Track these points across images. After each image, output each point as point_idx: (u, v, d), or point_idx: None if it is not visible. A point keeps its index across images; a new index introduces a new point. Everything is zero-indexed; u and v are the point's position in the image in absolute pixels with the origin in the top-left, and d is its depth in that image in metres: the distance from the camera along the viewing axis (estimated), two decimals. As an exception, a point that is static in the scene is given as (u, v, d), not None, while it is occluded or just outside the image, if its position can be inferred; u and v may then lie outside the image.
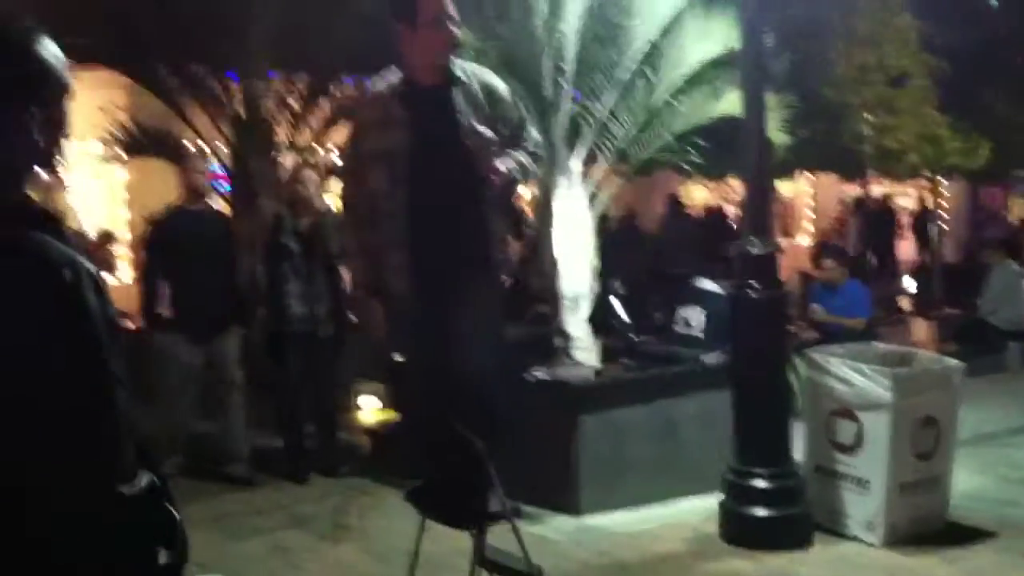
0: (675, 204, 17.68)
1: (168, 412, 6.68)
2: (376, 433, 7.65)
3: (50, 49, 1.74)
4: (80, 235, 13.28)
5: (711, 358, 6.64)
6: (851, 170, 15.08)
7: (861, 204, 19.23)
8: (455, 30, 4.21)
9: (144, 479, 1.66)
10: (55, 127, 1.76)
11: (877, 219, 18.84)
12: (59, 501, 1.57)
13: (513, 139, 4.35)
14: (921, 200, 18.89)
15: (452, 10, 4.21)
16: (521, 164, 4.34)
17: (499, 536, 4.64)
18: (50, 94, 1.74)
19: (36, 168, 1.82)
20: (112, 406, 1.63)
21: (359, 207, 4.38)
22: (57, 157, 1.81)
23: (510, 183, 4.39)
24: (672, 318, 8.25)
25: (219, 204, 9.58)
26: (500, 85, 4.37)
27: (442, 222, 4.21)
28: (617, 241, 13.44)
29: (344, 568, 5.39)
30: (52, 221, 1.70)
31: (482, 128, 4.21)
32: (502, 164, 4.23)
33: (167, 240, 6.88)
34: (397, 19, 4.23)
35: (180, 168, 7.29)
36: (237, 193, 9.92)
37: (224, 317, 6.95)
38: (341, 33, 9.30)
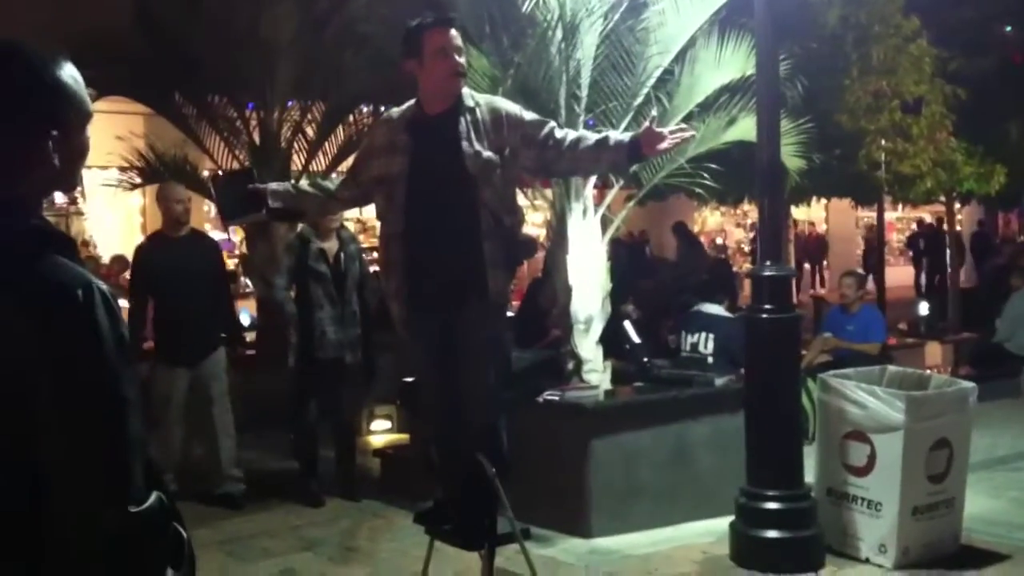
0: (682, 230, 17.58)
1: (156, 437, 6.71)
2: (387, 455, 7.68)
3: (71, 73, 1.76)
4: (95, 260, 13.40)
5: (723, 381, 6.65)
6: (866, 196, 15.06)
7: (919, 227, 19.27)
8: (460, 59, 4.29)
9: (152, 498, 1.67)
10: (74, 152, 1.77)
11: (930, 242, 18.80)
12: (71, 523, 1.58)
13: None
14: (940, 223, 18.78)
15: (457, 42, 4.30)
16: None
17: (509, 558, 4.66)
18: (70, 118, 1.75)
19: (54, 192, 1.86)
20: (124, 428, 1.63)
21: (331, 187, 4.59)
22: (75, 182, 1.84)
23: (514, 210, 4.47)
24: (681, 343, 8.29)
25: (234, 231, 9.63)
26: (513, 107, 4.43)
27: (439, 247, 4.27)
28: (630, 265, 13.48)
29: (355, 590, 5.40)
30: (67, 244, 1.72)
31: (488, 153, 4.26)
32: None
33: (146, 269, 6.98)
34: (407, 59, 4.35)
35: (159, 197, 7.28)
36: (252, 219, 9.98)
37: (208, 341, 6.94)
38: (359, 66, 9.42)
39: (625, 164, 4.66)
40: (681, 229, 17.37)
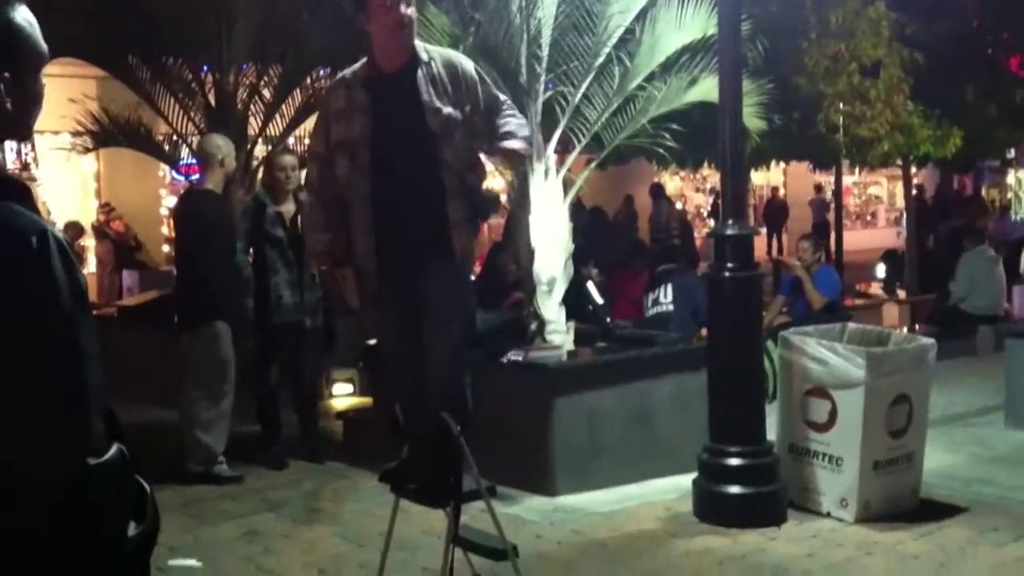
0: (658, 191, 17.93)
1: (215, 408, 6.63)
2: (350, 418, 7.66)
3: (24, 15, 1.71)
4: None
5: (685, 341, 6.68)
6: (824, 159, 15.17)
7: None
8: (408, 9, 4.22)
9: (113, 449, 1.64)
10: (28, 96, 1.72)
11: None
12: (26, 473, 1.55)
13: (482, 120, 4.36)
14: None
15: None
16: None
17: (474, 516, 4.66)
18: (23, 61, 1.70)
19: (6, 139, 1.80)
20: (81, 377, 1.60)
21: (327, 190, 4.40)
22: (29, 129, 1.78)
23: (476, 166, 4.42)
24: (646, 305, 8.33)
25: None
26: (468, 65, 4.37)
27: (404, 207, 4.22)
28: (591, 227, 13.54)
29: (318, 551, 5.38)
30: (21, 191, 1.68)
31: (448, 109, 4.22)
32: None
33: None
34: (357, 12, 4.29)
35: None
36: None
37: (187, 307, 6.73)
38: (317, 27, 9.30)
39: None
40: (658, 190, 17.74)
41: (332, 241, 4.39)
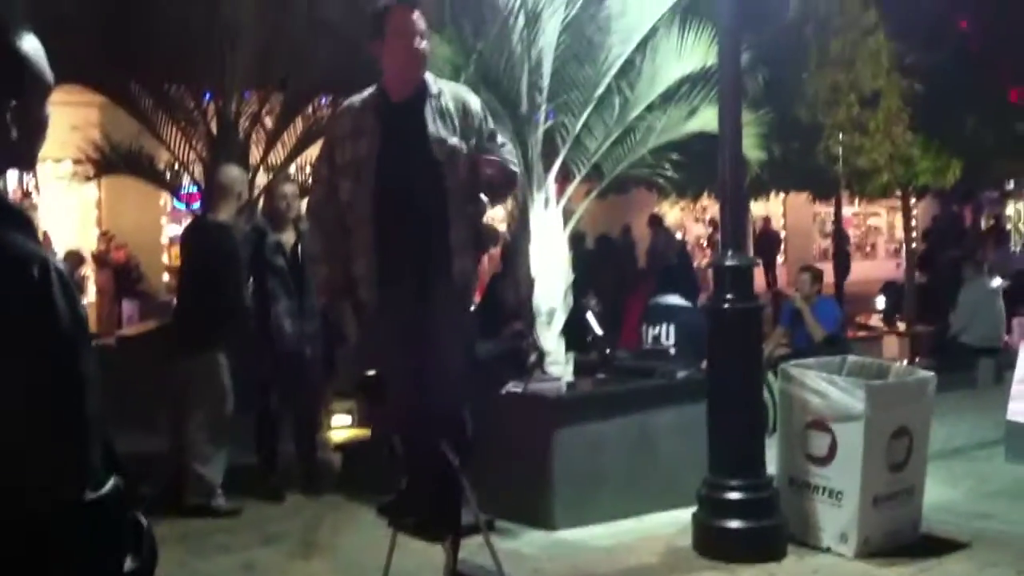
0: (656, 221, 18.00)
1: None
2: (348, 450, 7.61)
3: (32, 44, 1.71)
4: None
5: (685, 371, 6.66)
6: (824, 190, 15.20)
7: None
8: (422, 43, 4.29)
9: (110, 483, 1.63)
10: (33, 125, 1.72)
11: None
12: (23, 504, 1.54)
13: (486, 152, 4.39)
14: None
15: (420, 25, 4.31)
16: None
17: (473, 551, 4.63)
18: (30, 89, 1.70)
19: (11, 167, 1.80)
20: (79, 406, 1.59)
21: (328, 216, 4.43)
22: (34, 159, 1.78)
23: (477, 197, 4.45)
24: (643, 337, 8.28)
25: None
26: (475, 101, 4.43)
27: (407, 230, 4.24)
28: (592, 257, 13.56)
29: (316, 584, 5.35)
30: (23, 220, 1.67)
31: (453, 140, 4.26)
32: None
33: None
34: (372, 40, 4.37)
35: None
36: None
37: (188, 337, 6.65)
38: (319, 53, 9.33)
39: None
40: (656, 220, 17.94)
41: (330, 274, 4.42)
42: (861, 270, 23.92)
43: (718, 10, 5.69)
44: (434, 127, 4.26)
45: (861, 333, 12.41)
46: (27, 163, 1.76)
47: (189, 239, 7.01)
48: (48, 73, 1.73)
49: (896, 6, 12.31)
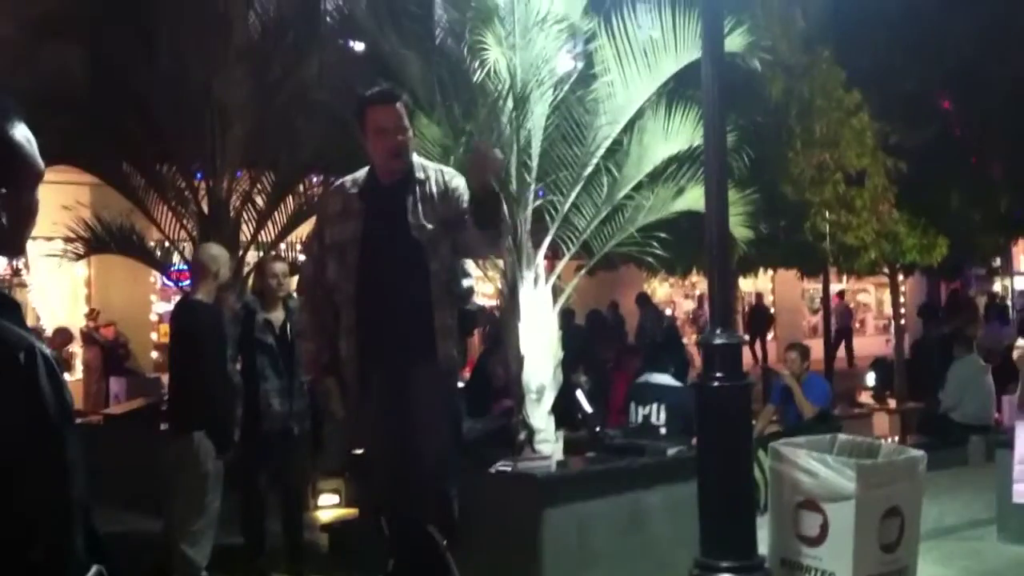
0: (644, 299, 18.07)
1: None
2: (335, 530, 7.53)
3: (23, 132, 1.72)
4: (38, 333, 13.13)
5: (675, 451, 6.63)
6: (812, 266, 15.28)
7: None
8: (401, 138, 4.32)
9: (93, 571, 1.62)
10: (23, 212, 1.73)
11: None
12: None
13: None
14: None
15: (399, 120, 4.34)
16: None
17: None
18: (21, 177, 1.72)
19: (1, 254, 1.80)
20: (62, 493, 1.59)
21: (317, 293, 4.48)
22: (23, 245, 1.78)
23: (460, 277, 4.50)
24: (631, 416, 8.26)
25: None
26: (460, 183, 4.46)
27: (390, 311, 4.26)
28: (582, 334, 13.55)
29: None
30: (11, 306, 1.68)
31: (431, 226, 4.29)
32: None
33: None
34: (356, 129, 4.47)
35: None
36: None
37: (172, 419, 6.66)
38: (310, 134, 9.42)
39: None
40: (644, 299, 17.94)
41: (316, 351, 4.45)
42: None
43: (703, 92, 5.77)
44: (413, 215, 4.29)
45: (855, 410, 12.37)
46: (16, 250, 1.77)
47: (173, 318, 7.02)
48: (39, 162, 1.75)
49: (878, 85, 12.51)
